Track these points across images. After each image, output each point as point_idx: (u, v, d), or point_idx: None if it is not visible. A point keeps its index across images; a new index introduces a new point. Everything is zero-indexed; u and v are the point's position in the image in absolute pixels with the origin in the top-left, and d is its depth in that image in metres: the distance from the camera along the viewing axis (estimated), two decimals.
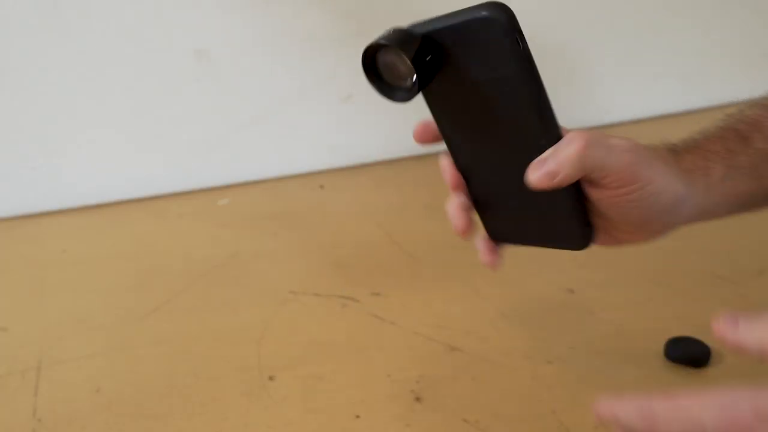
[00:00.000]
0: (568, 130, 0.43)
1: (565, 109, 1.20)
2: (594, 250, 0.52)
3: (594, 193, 0.44)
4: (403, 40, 0.41)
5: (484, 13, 0.39)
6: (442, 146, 0.50)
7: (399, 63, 0.41)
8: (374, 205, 1.04)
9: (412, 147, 1.32)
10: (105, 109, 1.03)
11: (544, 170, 0.41)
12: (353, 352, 0.72)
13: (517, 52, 0.39)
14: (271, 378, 0.67)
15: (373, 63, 0.42)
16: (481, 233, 0.53)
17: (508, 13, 0.39)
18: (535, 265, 0.79)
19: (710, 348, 0.67)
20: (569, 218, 0.46)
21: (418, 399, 0.64)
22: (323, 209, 1.05)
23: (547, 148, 0.42)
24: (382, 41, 0.40)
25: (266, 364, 0.69)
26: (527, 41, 0.40)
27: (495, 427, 0.60)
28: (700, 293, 0.78)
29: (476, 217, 0.52)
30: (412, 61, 0.40)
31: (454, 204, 0.49)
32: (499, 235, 0.52)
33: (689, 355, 0.66)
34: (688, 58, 1.36)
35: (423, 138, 0.49)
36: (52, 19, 0.96)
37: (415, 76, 0.41)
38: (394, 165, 1.18)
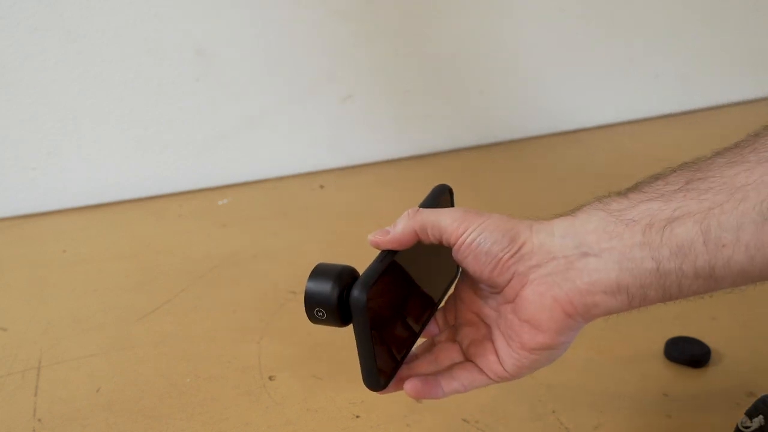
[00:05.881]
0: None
1: (568, 110, 1.20)
2: None
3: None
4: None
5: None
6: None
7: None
8: (374, 205, 1.04)
9: (412, 147, 1.32)
10: (105, 109, 1.03)
11: (380, 231, 0.44)
12: (353, 352, 0.72)
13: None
14: (271, 378, 0.67)
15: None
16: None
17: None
18: None
19: (710, 348, 0.67)
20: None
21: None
22: (323, 209, 1.05)
23: None
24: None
25: (266, 364, 0.69)
26: None
27: (495, 427, 0.60)
28: None
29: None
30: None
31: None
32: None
33: (689, 355, 0.67)
34: (688, 58, 1.36)
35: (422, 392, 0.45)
36: (52, 19, 0.96)
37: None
38: (394, 165, 1.18)
